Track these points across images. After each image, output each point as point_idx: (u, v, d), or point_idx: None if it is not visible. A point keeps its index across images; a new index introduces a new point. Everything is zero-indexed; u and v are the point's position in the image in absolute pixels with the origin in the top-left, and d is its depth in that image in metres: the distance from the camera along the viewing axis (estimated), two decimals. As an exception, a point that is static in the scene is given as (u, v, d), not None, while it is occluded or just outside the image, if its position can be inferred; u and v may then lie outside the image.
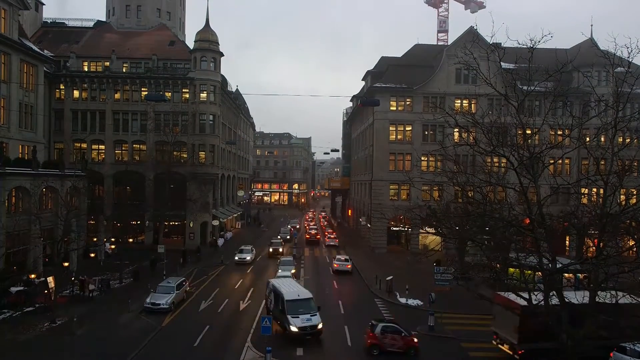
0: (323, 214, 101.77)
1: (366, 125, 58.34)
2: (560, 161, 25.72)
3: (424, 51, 55.68)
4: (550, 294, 16.32)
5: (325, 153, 78.01)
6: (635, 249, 18.06)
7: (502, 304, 21.42)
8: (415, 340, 22.60)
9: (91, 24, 60.51)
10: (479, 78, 18.07)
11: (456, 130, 21.46)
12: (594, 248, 16.82)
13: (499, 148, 16.95)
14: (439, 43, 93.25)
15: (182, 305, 29.91)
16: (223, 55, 53.14)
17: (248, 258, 44.46)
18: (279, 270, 36.60)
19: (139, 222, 50.15)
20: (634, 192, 30.73)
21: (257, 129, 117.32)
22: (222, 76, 55.55)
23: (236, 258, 44.29)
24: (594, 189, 21.45)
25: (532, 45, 15.46)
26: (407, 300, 31.94)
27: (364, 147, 60.84)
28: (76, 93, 51.83)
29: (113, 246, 45.39)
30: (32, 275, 31.62)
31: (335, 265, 41.73)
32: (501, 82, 18.02)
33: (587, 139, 19.25)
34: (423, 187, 34.88)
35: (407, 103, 51.38)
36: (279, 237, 55.56)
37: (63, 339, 23.10)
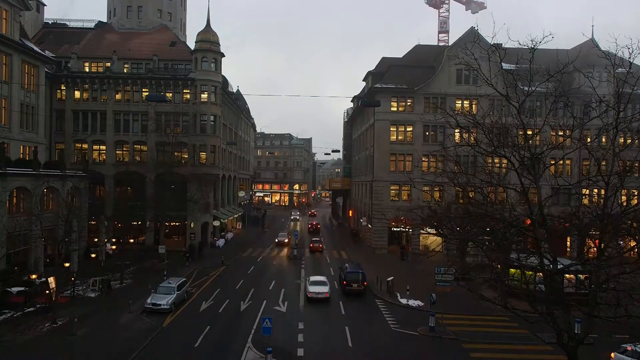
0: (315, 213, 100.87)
1: (367, 125, 58.33)
2: (561, 162, 25.61)
3: (424, 52, 55.68)
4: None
5: (326, 154, 78.41)
6: (636, 250, 18.04)
7: None
8: None
9: (92, 24, 60.57)
10: (480, 79, 18.05)
11: (457, 130, 21.44)
12: (595, 249, 16.79)
13: (500, 149, 16.92)
14: (440, 44, 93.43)
15: (183, 306, 29.93)
16: (224, 56, 53.19)
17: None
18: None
19: (139, 223, 50.12)
20: (635, 193, 30.72)
21: (258, 130, 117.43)
22: (223, 77, 55.60)
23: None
24: (595, 190, 21.41)
25: (533, 46, 15.44)
26: (408, 301, 31.92)
27: (364, 148, 60.83)
28: (77, 94, 51.89)
29: (114, 246, 45.37)
30: (33, 276, 31.66)
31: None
32: (502, 82, 18.04)
33: (588, 139, 19.24)
34: (424, 187, 34.82)
35: (408, 104, 51.36)
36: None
37: (64, 339, 23.15)
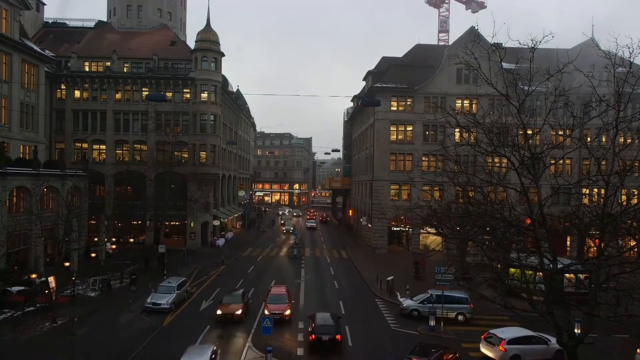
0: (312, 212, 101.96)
1: (367, 125, 58.33)
2: (561, 161, 25.70)
3: (424, 51, 55.66)
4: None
5: (326, 153, 78.72)
6: (636, 250, 18.05)
7: None
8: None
9: (92, 24, 60.59)
10: (480, 78, 18.06)
11: (457, 130, 21.46)
12: (595, 248, 16.81)
13: (500, 148, 16.94)
14: (440, 43, 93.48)
15: (183, 305, 29.93)
16: (224, 55, 53.17)
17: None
18: None
19: (139, 222, 50.17)
20: (635, 193, 30.73)
21: (258, 129, 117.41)
22: (223, 76, 55.58)
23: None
24: (595, 189, 21.44)
25: (533, 46, 15.45)
26: (407, 301, 31.87)
27: (364, 147, 60.83)
28: (77, 93, 51.89)
29: (114, 246, 45.42)
30: (33, 275, 31.68)
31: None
32: (502, 82, 18.02)
33: (589, 139, 19.25)
34: (424, 187, 34.84)
35: (408, 103, 51.37)
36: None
37: (64, 338, 23.15)
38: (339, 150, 79.15)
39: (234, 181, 69.29)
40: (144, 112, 51.62)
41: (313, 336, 22.49)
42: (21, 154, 38.31)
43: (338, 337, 22.70)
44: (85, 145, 51.60)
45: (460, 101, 49.74)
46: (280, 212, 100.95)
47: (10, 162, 33.61)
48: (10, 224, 31.48)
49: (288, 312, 26.86)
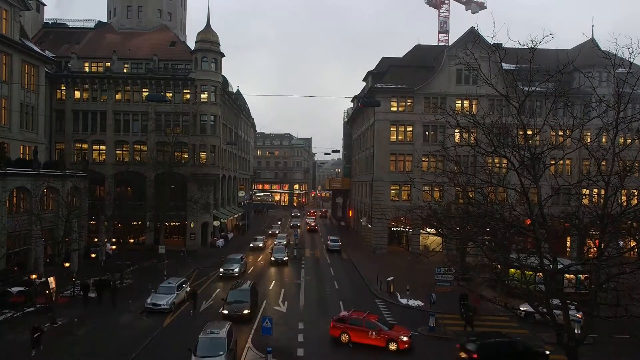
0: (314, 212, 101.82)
1: (367, 125, 58.34)
2: (561, 162, 25.70)
3: (424, 52, 55.68)
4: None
5: (326, 154, 79.07)
6: (636, 250, 18.05)
7: None
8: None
9: (92, 24, 60.68)
10: (480, 79, 18.07)
11: (457, 130, 21.46)
12: (595, 249, 16.81)
13: (500, 149, 16.95)
14: (440, 44, 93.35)
15: (183, 306, 29.92)
16: (224, 56, 53.20)
17: None
18: None
19: (139, 223, 50.12)
20: (635, 193, 30.75)
21: (258, 130, 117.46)
22: (223, 77, 55.61)
23: None
24: (595, 190, 21.44)
25: (533, 46, 15.46)
26: (407, 301, 31.90)
27: (364, 148, 60.84)
28: (77, 93, 51.90)
29: (114, 247, 45.38)
30: (33, 276, 31.64)
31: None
32: (502, 82, 18.06)
33: (589, 139, 19.26)
34: (424, 187, 34.84)
35: (408, 104, 51.37)
36: None
37: (64, 339, 23.13)
38: (339, 151, 79.12)
39: (234, 182, 69.28)
40: (144, 113, 51.63)
41: (308, 227, 73.13)
42: (21, 155, 38.32)
43: (316, 227, 74.25)
44: (85, 146, 51.62)
45: (460, 102, 49.75)
46: (271, 231, 67.15)
47: (10, 162, 33.63)
48: (11, 224, 31.48)
49: None
